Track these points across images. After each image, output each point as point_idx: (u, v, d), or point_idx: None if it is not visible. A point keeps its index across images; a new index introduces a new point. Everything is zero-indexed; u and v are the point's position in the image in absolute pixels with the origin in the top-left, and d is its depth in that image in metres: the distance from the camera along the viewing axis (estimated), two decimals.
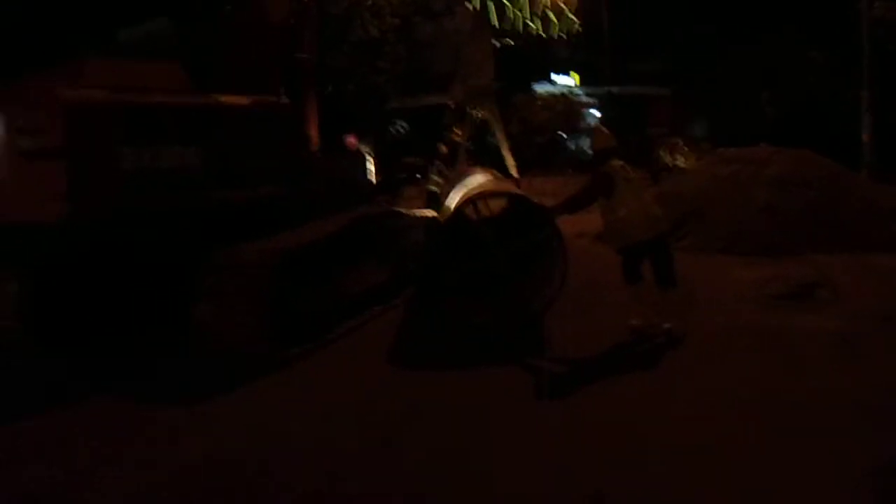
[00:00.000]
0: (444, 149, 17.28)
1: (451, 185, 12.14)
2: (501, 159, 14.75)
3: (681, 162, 28.19)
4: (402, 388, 6.55)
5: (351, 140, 17.94)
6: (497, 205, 9.78)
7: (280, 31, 10.13)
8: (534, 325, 7.90)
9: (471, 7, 20.33)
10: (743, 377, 6.18)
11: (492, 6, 62.84)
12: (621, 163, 7.55)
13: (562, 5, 73.02)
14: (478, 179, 10.63)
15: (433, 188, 16.56)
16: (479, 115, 19.69)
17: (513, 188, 10.09)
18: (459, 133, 16.48)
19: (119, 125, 7.36)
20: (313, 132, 10.83)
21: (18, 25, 19.22)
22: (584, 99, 61.07)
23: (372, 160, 14.42)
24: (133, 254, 7.57)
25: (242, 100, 8.86)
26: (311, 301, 8.01)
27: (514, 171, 13.65)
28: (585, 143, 53.62)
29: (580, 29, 74.31)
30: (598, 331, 7.86)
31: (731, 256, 11.39)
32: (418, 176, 17.85)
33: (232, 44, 9.60)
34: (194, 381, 6.89)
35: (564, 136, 54.18)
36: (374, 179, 13.84)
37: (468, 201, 8.65)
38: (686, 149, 29.53)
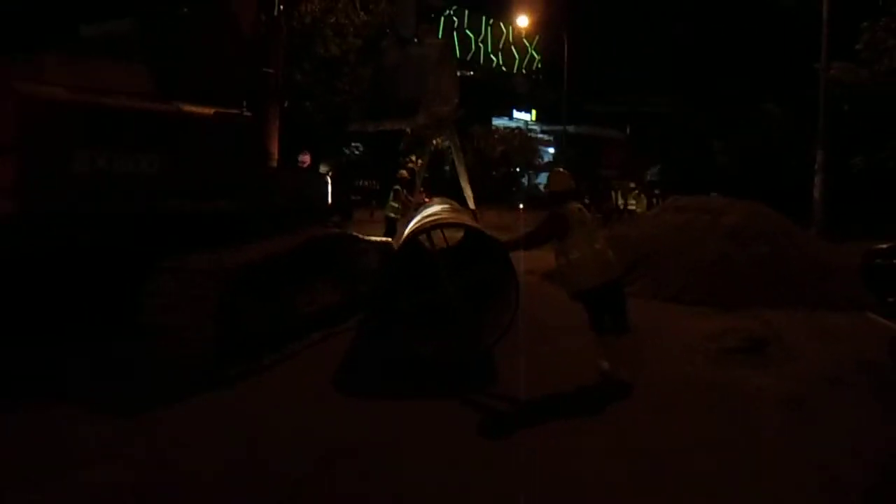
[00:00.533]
0: (405, 174, 17.23)
1: (408, 213, 12.03)
2: (458, 190, 14.66)
3: (632, 205, 28.55)
4: (343, 416, 6.37)
5: (304, 158, 17.78)
6: (452, 235, 9.72)
7: (248, 44, 10.10)
8: (483, 359, 7.77)
9: (439, 36, 20.29)
10: (690, 436, 5.99)
11: (456, 37, 63.21)
12: (578, 205, 7.51)
13: (525, 42, 73.88)
14: (435, 209, 10.57)
15: (391, 214, 16.52)
16: (439, 144, 19.59)
17: (469, 220, 9.90)
18: (414, 160, 16.39)
19: (76, 125, 7.21)
20: (274, 148, 10.81)
21: None
22: (541, 136, 61.92)
23: (330, 181, 14.32)
24: (80, 255, 7.43)
25: (205, 110, 8.75)
26: (258, 318, 7.82)
27: (471, 203, 13.58)
28: (540, 180, 54.41)
29: (541, 66, 75.18)
30: (546, 370, 7.76)
31: (682, 305, 11.35)
32: (373, 202, 17.72)
33: (198, 51, 9.49)
34: (129, 392, 6.68)
35: (518, 170, 54.79)
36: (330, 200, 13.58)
37: (423, 230, 8.57)
38: (638, 192, 29.89)
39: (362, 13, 20.63)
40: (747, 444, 5.78)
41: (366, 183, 38.43)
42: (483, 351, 7.74)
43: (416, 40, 11.83)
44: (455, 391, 6.97)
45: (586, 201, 27.07)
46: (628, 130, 56.03)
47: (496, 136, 52.79)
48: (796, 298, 11.29)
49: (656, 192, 30.26)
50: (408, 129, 17.86)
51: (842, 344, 8.99)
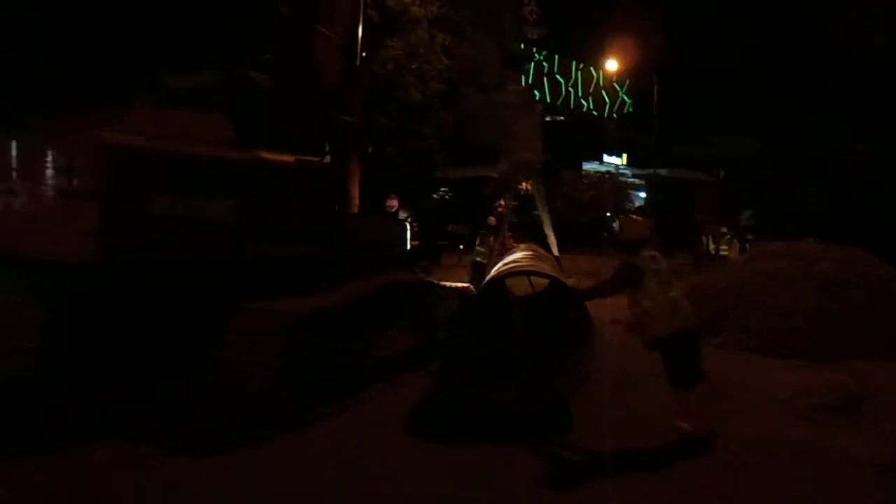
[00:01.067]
0: (492, 220, 17.23)
1: (493, 258, 12.25)
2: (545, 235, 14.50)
3: (724, 250, 27.74)
4: (410, 463, 6.36)
5: (391, 202, 17.93)
6: (538, 282, 9.59)
7: (330, 93, 10.24)
8: (558, 409, 7.66)
9: (522, 83, 20.35)
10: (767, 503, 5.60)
11: (546, 82, 63.36)
12: (652, 252, 7.37)
13: (615, 86, 73.52)
14: (517, 255, 10.58)
15: (478, 259, 16.52)
16: (525, 190, 19.51)
17: (548, 267, 9.81)
18: (503, 205, 16.34)
19: (156, 172, 7.37)
20: (354, 194, 11.01)
21: (72, 65, 19.56)
22: (632, 180, 61.13)
23: (410, 227, 14.37)
24: (159, 300, 7.55)
25: (283, 158, 8.89)
26: (331, 362, 7.95)
27: (555, 249, 13.38)
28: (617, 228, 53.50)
29: (631, 110, 74.61)
30: (623, 422, 7.51)
31: (771, 357, 10.81)
32: (461, 246, 17.72)
33: (282, 101, 9.68)
34: (203, 433, 6.75)
35: (609, 215, 54.11)
36: (410, 246, 13.79)
37: (500, 277, 8.62)
38: (730, 237, 29.06)
39: (444, 58, 20.63)
40: None
41: (454, 227, 38.33)
42: (559, 401, 7.64)
43: (499, 87, 11.83)
44: (528, 441, 6.88)
45: (680, 246, 26.50)
46: (721, 174, 54.92)
47: (586, 181, 52.32)
48: (894, 349, 10.67)
49: (749, 237, 29.32)
50: (494, 175, 17.86)
51: None
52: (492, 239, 16.74)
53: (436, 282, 10.99)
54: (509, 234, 17.31)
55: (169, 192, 7.40)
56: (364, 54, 12.04)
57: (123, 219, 7.07)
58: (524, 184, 19.31)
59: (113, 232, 6.97)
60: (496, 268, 10.19)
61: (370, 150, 15.63)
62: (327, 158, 10.10)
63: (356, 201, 11.11)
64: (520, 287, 9.56)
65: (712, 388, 7.47)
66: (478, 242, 17.11)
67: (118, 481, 5.67)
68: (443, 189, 41.29)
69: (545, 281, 9.29)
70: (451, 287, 11.29)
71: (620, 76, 69.62)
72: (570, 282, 9.20)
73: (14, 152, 7.81)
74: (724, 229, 30.50)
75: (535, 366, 7.90)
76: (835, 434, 7.16)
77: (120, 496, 5.45)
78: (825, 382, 8.91)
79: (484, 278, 13.93)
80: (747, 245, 26.55)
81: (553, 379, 7.83)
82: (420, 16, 19.39)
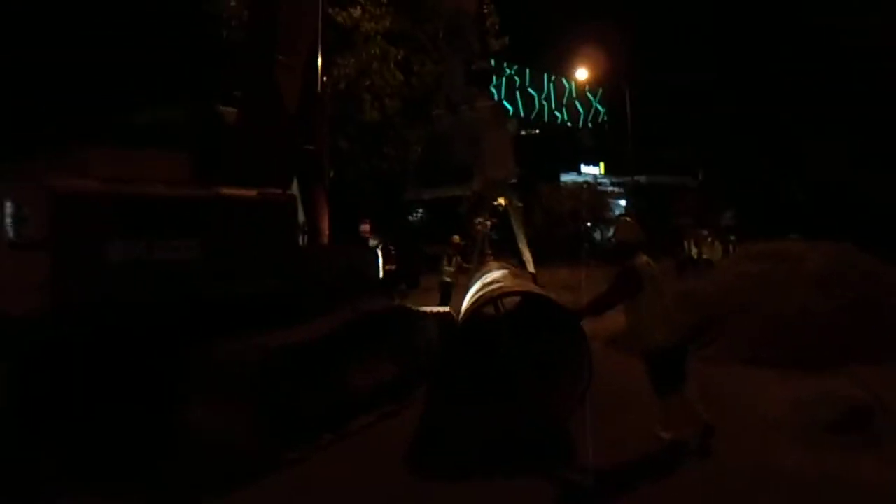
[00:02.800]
0: (456, 239, 16.75)
1: (469, 278, 12.18)
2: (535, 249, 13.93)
3: (707, 254, 27.08)
4: (404, 499, 6.15)
5: (365, 228, 17.52)
6: (514, 301, 9.64)
7: (293, 121, 10.13)
8: (558, 432, 7.39)
9: (491, 98, 19.73)
10: None
11: (519, 96, 63.03)
12: (646, 258, 7.23)
13: (588, 95, 73.37)
14: (495, 276, 10.41)
15: (447, 279, 16.48)
16: (500, 205, 18.92)
17: (533, 286, 9.70)
18: (482, 222, 15.94)
19: (109, 216, 7.23)
20: (323, 224, 10.95)
21: (21, 107, 19.21)
22: (610, 188, 60.80)
23: (386, 250, 14.09)
24: (121, 345, 7.25)
25: (244, 192, 8.75)
26: (310, 399, 7.74)
27: (530, 266, 12.82)
28: (610, 233, 53.14)
29: (606, 118, 74.54)
30: (621, 441, 7.23)
31: (763, 368, 10.02)
32: (447, 266, 17.17)
33: (244, 133, 9.61)
34: (180, 484, 6.47)
35: (589, 225, 53.63)
36: (385, 270, 13.52)
37: (490, 300, 8.41)
38: (712, 240, 28.45)
39: (398, 73, 20.06)
40: None
41: (433, 248, 37.67)
42: (557, 423, 7.43)
43: (466, 105, 11.29)
44: (528, 468, 6.62)
45: (661, 252, 25.89)
46: (700, 176, 54.65)
47: (564, 192, 51.83)
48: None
49: (732, 238, 28.72)
50: (468, 194, 17.31)
51: None
52: (457, 258, 16.53)
53: (413, 308, 10.81)
54: (489, 251, 16.82)
55: (124, 235, 7.28)
56: (325, 79, 11.71)
57: (76, 265, 6.94)
58: (501, 199, 18.85)
59: (64, 281, 6.87)
60: (474, 290, 10.08)
61: (332, 174, 14.96)
62: (293, 189, 10.02)
63: (325, 231, 10.98)
64: (507, 303, 9.52)
65: (703, 406, 7.06)
66: (444, 262, 16.86)
67: None
68: (419, 210, 40.63)
69: (515, 299, 9.36)
70: (429, 312, 10.90)
71: (593, 85, 69.58)
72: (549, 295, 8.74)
73: None
74: (705, 232, 29.86)
75: (527, 390, 7.73)
76: (843, 458, 6.31)
77: None
78: (826, 394, 8.12)
79: (450, 298, 13.33)
80: (731, 247, 25.99)
81: (547, 403, 7.61)
82: (371, 31, 18.88)
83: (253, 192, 8.79)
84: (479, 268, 13.34)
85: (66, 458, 6.97)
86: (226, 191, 8.43)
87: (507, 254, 16.42)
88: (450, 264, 16.51)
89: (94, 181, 7.23)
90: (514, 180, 13.35)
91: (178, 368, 7.14)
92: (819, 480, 5.93)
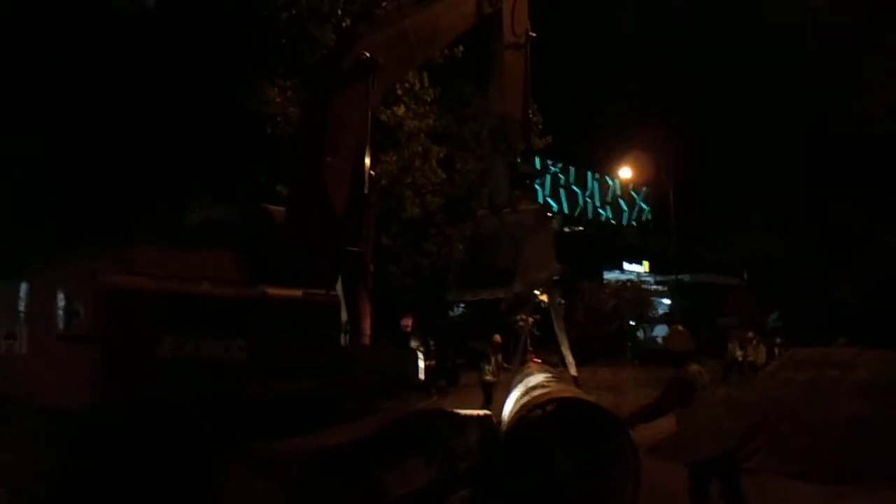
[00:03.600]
0: (497, 338, 16.63)
1: (511, 378, 12.03)
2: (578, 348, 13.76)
3: (752, 356, 26.54)
4: None
5: (406, 322, 17.58)
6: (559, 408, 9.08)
7: (340, 222, 10.02)
8: None
9: (535, 200, 19.87)
10: None
11: (563, 193, 63.48)
12: (698, 367, 7.11)
13: (633, 193, 73.65)
14: (539, 380, 10.27)
15: (488, 378, 16.36)
16: (543, 302, 18.88)
17: (578, 391, 9.48)
18: (525, 319, 15.96)
19: (157, 314, 7.18)
20: (365, 324, 11.21)
21: (74, 201, 19.72)
22: (654, 286, 60.37)
23: (422, 355, 14.05)
24: (165, 444, 7.15)
25: (290, 292, 8.60)
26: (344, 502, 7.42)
27: (573, 370, 12.60)
28: (654, 332, 52.49)
29: (650, 217, 74.55)
30: None
31: (810, 483, 9.65)
32: (487, 366, 17.08)
33: (294, 234, 9.51)
34: None
35: (633, 324, 53.08)
36: (425, 366, 14.59)
37: (534, 407, 8.21)
38: (757, 342, 27.92)
39: (440, 171, 20.22)
40: None
41: (476, 345, 37.47)
42: None
43: (510, 208, 11.38)
44: None
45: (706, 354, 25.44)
46: (745, 276, 54.10)
47: (607, 290, 51.59)
48: None
49: (778, 340, 28.18)
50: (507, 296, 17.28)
51: None
52: (499, 357, 16.39)
53: (451, 410, 10.26)
54: (531, 349, 16.67)
55: (171, 333, 7.16)
56: (372, 174, 11.83)
57: (124, 362, 6.86)
58: (543, 297, 18.80)
59: (111, 376, 6.75)
60: (517, 394, 9.95)
61: (372, 269, 15.09)
62: (337, 291, 9.80)
63: (367, 330, 11.20)
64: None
65: None
66: (485, 361, 16.74)
67: None
68: (460, 305, 40.56)
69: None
70: (468, 415, 10.43)
71: (637, 184, 69.91)
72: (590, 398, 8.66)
73: (16, 295, 7.83)
74: (750, 334, 29.34)
75: (574, 498, 7.52)
76: None
77: None
78: None
79: (492, 398, 13.07)
80: (776, 349, 25.47)
81: None
82: (415, 129, 19.11)
83: (298, 293, 8.71)
84: (521, 369, 13.21)
85: None
86: (272, 290, 8.37)
87: (547, 351, 16.27)
88: (490, 363, 16.40)
89: (142, 277, 7.24)
90: (556, 277, 13.28)
91: (215, 468, 7.02)
92: None
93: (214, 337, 7.57)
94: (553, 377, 10.81)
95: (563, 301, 14.62)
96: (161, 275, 7.36)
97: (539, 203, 18.49)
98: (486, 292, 11.62)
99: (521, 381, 10.64)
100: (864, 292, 31.51)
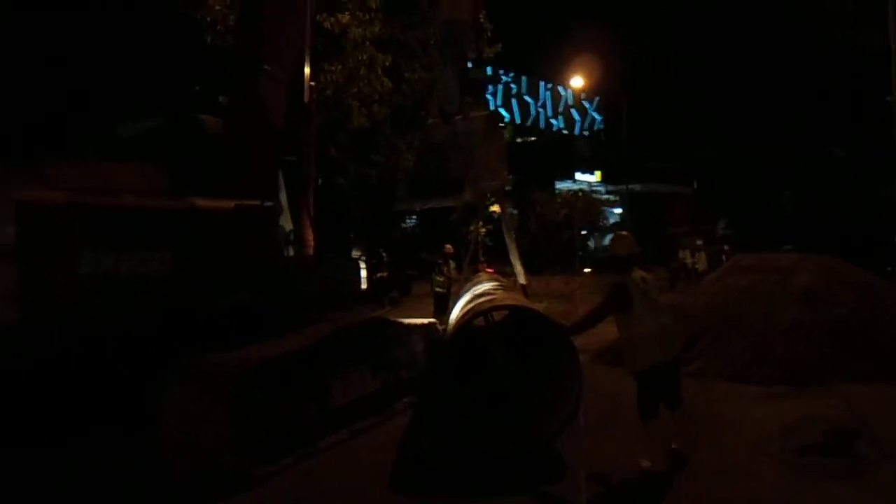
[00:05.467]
0: (448, 248, 16.57)
1: (459, 287, 11.92)
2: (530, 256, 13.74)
3: (699, 264, 26.94)
4: None
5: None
6: (503, 315, 9.32)
7: (280, 132, 10.03)
8: (547, 451, 7.19)
9: (486, 108, 19.62)
10: None
11: (515, 103, 63.04)
12: (642, 273, 7.07)
13: (585, 103, 73.29)
14: (485, 287, 10.17)
15: (438, 289, 16.39)
16: (495, 213, 18.87)
17: (524, 300, 9.45)
18: (475, 229, 15.94)
19: (74, 228, 7.20)
20: (307, 235, 10.88)
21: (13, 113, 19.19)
22: (606, 196, 60.65)
23: (364, 264, 14.03)
24: (91, 360, 7.27)
25: (220, 203, 8.65)
26: (287, 414, 7.57)
27: (521, 278, 12.57)
28: (605, 241, 53.06)
29: (602, 126, 74.47)
30: (610, 460, 7.03)
31: (750, 385, 9.78)
32: (438, 277, 17.06)
33: (231, 144, 9.52)
34: (151, 501, 6.38)
35: (584, 233, 53.44)
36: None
37: (479, 313, 8.12)
38: (705, 249, 28.33)
39: (386, 80, 19.78)
40: None
41: (428, 255, 37.61)
42: (545, 442, 7.26)
43: (460, 115, 11.18)
44: (516, 491, 6.38)
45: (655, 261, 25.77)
46: (695, 185, 54.56)
47: (559, 200, 51.68)
48: (886, 369, 9.66)
49: (725, 248, 28.57)
50: (458, 205, 17.17)
51: None
52: (450, 266, 16.37)
53: (396, 319, 10.56)
54: (482, 259, 16.62)
55: (89, 247, 7.22)
56: (313, 84, 11.55)
57: (44, 278, 6.95)
58: (495, 207, 18.80)
59: (32, 292, 6.85)
60: (463, 301, 9.84)
61: (319, 181, 14.80)
62: (282, 199, 10.04)
63: (311, 241, 10.90)
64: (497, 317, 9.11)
65: (687, 430, 6.92)
66: (435, 271, 16.68)
67: None
68: (412, 217, 40.47)
69: (505, 312, 9.03)
70: (413, 324, 10.66)
71: (589, 94, 69.54)
72: (540, 307, 8.94)
73: None
74: (700, 241, 29.76)
75: (518, 405, 7.55)
76: (824, 487, 6.01)
77: None
78: (811, 414, 7.90)
79: (445, 308, 13.19)
80: (723, 256, 25.86)
81: (536, 419, 7.44)
82: (360, 37, 18.63)
83: (228, 203, 8.65)
84: (471, 277, 13.20)
85: (37, 475, 6.88)
86: (199, 202, 8.33)
87: (502, 262, 16.29)
88: (441, 274, 16.35)
89: (58, 192, 7.16)
90: (508, 187, 13.17)
91: (153, 383, 6.94)
92: None
93: (135, 250, 7.63)
94: (500, 286, 10.75)
95: (514, 211, 14.50)
96: (80, 189, 7.32)
97: (489, 111, 18.25)
98: (436, 201, 11.55)
99: (468, 290, 10.56)
100: (808, 199, 31.99)
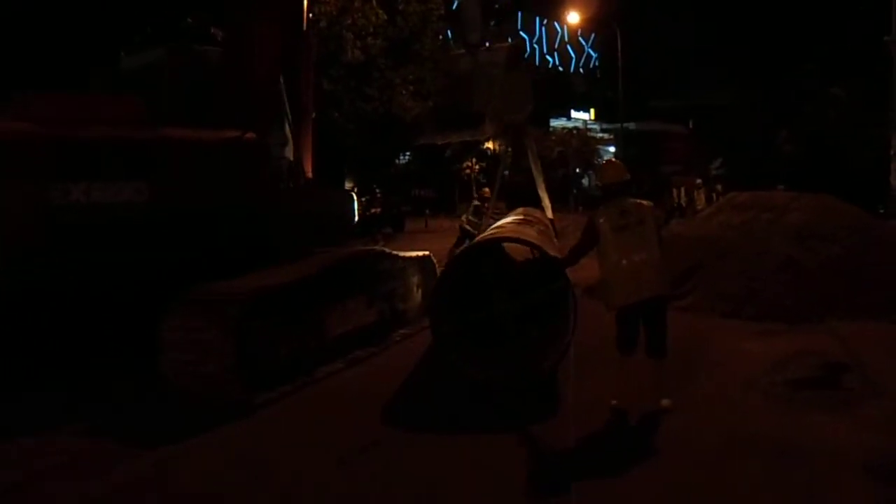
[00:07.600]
0: (487, 192, 16.39)
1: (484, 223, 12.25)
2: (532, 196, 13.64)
3: (700, 202, 26.94)
4: (375, 453, 5.83)
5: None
6: (514, 250, 9.45)
7: (278, 63, 10.02)
8: (544, 384, 7.21)
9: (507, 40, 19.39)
10: None
11: (510, 40, 62.30)
12: (624, 207, 6.60)
13: (581, 40, 72.56)
14: (503, 221, 10.41)
15: (467, 227, 16.06)
16: (489, 149, 18.75)
17: (529, 233, 9.12)
18: (471, 165, 15.72)
19: (44, 159, 7.23)
20: (307, 167, 10.85)
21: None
22: (601, 135, 60.41)
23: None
24: (78, 289, 7.48)
25: (198, 134, 8.66)
26: (286, 342, 7.68)
27: (549, 212, 12.53)
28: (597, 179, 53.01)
29: (598, 64, 73.90)
30: (598, 396, 6.80)
31: (742, 321, 9.87)
32: (426, 211, 17.00)
33: (228, 74, 9.59)
34: (152, 427, 6.42)
35: (578, 171, 53.33)
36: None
37: (478, 246, 8.36)
38: (700, 188, 28.31)
39: (380, 11, 19.53)
40: None
41: (421, 192, 37.49)
42: (542, 375, 7.26)
43: (485, 45, 10.97)
44: (512, 423, 6.41)
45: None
46: (691, 124, 54.30)
47: (553, 138, 51.45)
48: (877, 308, 9.75)
49: (718, 187, 28.56)
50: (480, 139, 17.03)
51: None
52: (488, 212, 15.93)
53: (393, 252, 10.58)
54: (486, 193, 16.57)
55: (59, 178, 7.25)
56: (311, 16, 11.41)
57: (12, 210, 6.99)
58: (491, 144, 18.80)
59: (7, 223, 6.96)
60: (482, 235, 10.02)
61: (314, 115, 14.70)
62: (286, 130, 10.13)
63: (308, 174, 10.88)
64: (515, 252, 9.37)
65: (679, 362, 6.97)
66: (471, 211, 16.36)
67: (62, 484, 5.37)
68: (406, 153, 40.26)
69: (519, 248, 9.02)
70: (409, 256, 10.74)
71: (586, 31, 68.83)
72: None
73: None
74: (699, 180, 29.76)
75: (516, 338, 7.74)
76: (816, 420, 6.05)
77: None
78: (801, 349, 7.99)
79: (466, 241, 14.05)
80: (715, 195, 25.89)
81: (536, 352, 7.57)
82: None
83: (209, 134, 8.70)
84: (502, 211, 13.01)
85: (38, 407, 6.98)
86: (174, 132, 8.40)
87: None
88: (478, 214, 15.92)
89: (27, 123, 7.19)
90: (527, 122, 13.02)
91: (151, 315, 6.99)
92: (784, 441, 5.66)
93: (107, 180, 7.64)
94: (520, 220, 10.50)
95: (509, 149, 14.40)
96: (50, 120, 7.41)
97: (513, 41, 18.03)
98: (458, 135, 11.52)
99: (492, 225, 10.67)
100: (805, 138, 31.92)
